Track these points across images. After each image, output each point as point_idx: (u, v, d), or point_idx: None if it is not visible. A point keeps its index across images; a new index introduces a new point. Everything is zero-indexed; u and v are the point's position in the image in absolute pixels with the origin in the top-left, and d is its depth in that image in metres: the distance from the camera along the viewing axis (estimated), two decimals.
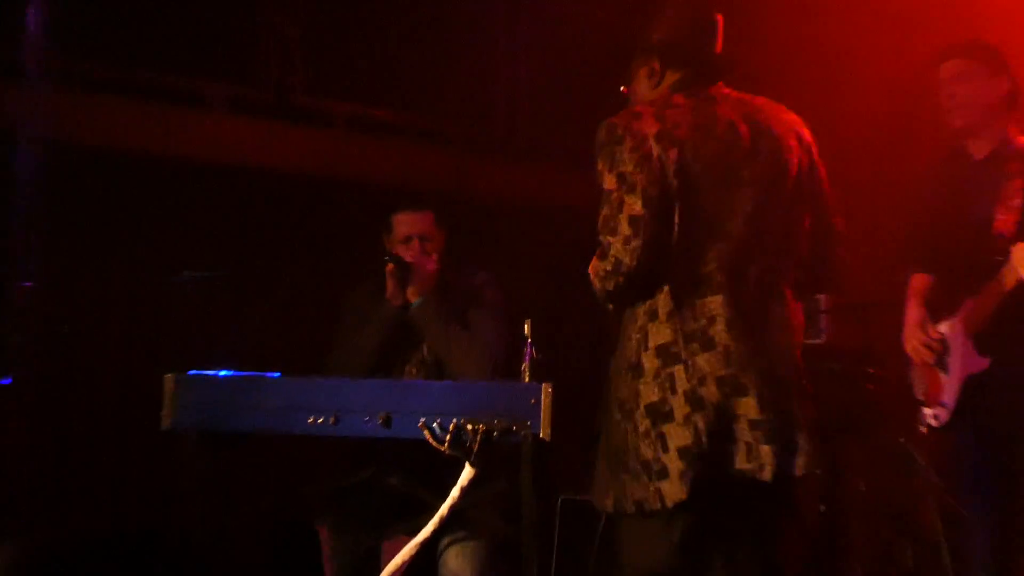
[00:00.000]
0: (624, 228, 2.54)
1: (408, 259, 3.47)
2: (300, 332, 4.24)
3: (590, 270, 2.66)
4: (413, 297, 3.48)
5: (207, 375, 2.77)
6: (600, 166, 2.61)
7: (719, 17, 2.75)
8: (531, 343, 2.79)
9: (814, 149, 2.73)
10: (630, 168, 2.56)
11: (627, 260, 2.54)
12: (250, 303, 4.32)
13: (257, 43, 4.64)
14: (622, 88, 2.81)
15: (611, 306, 2.67)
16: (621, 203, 2.55)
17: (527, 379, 2.75)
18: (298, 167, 4.72)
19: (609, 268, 2.57)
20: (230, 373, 2.78)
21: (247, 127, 4.61)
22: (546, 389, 2.61)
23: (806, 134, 2.72)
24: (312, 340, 3.75)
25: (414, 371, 3.49)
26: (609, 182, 2.58)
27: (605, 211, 2.58)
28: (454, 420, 2.62)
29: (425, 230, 3.53)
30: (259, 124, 4.63)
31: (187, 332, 3.97)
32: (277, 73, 4.67)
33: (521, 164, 5.43)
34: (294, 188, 4.70)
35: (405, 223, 3.53)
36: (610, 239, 2.56)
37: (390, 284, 3.48)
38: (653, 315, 2.57)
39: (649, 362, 2.56)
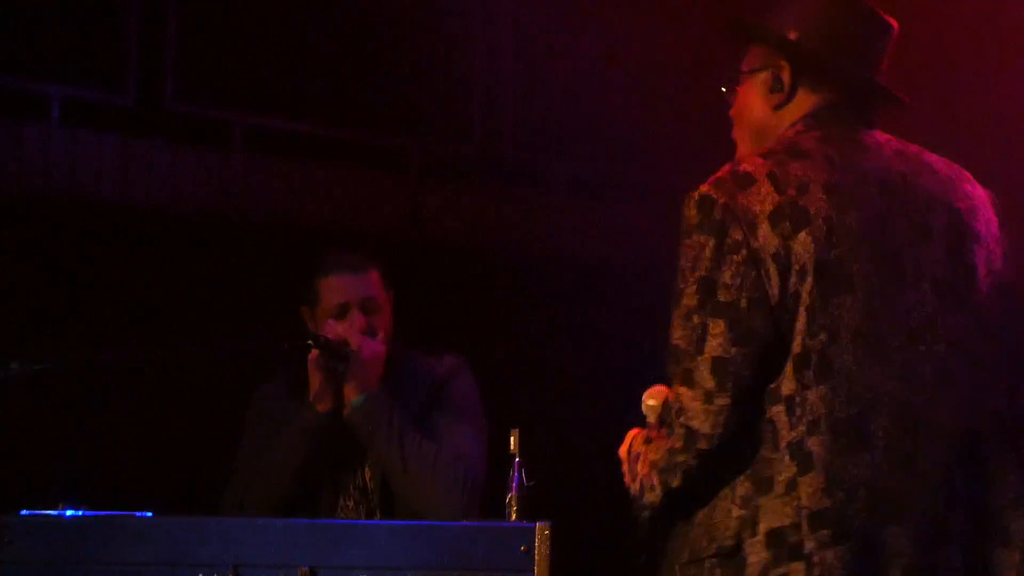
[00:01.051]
0: (704, 378, 2.47)
1: (342, 341, 3.52)
2: (181, 450, 4.32)
3: (627, 450, 2.63)
4: (352, 395, 3.51)
5: (46, 515, 2.83)
6: (681, 258, 2.54)
7: (892, 23, 2.60)
8: (519, 463, 2.84)
9: (1005, 239, 2.58)
10: (725, 277, 2.48)
11: (706, 428, 2.47)
12: (107, 407, 4.41)
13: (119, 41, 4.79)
14: (722, 89, 2.73)
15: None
16: (703, 334, 2.48)
17: (514, 516, 2.81)
18: (173, 200, 4.85)
19: (679, 444, 2.49)
20: (79, 512, 2.84)
21: (97, 143, 4.75)
22: (542, 531, 2.68)
23: (995, 213, 2.59)
24: (198, 462, 3.82)
25: (351, 504, 3.54)
26: (689, 293, 2.51)
27: (678, 337, 2.52)
28: None
29: (367, 296, 3.59)
30: (110, 138, 4.77)
31: (15, 451, 4.05)
32: (139, 75, 4.81)
33: (503, 191, 5.57)
34: (166, 229, 4.81)
35: (337, 288, 3.58)
36: (681, 390, 2.50)
37: (315, 379, 3.53)
38: (765, 484, 2.45)
39: (756, 554, 2.46)
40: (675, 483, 2.52)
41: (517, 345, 5.16)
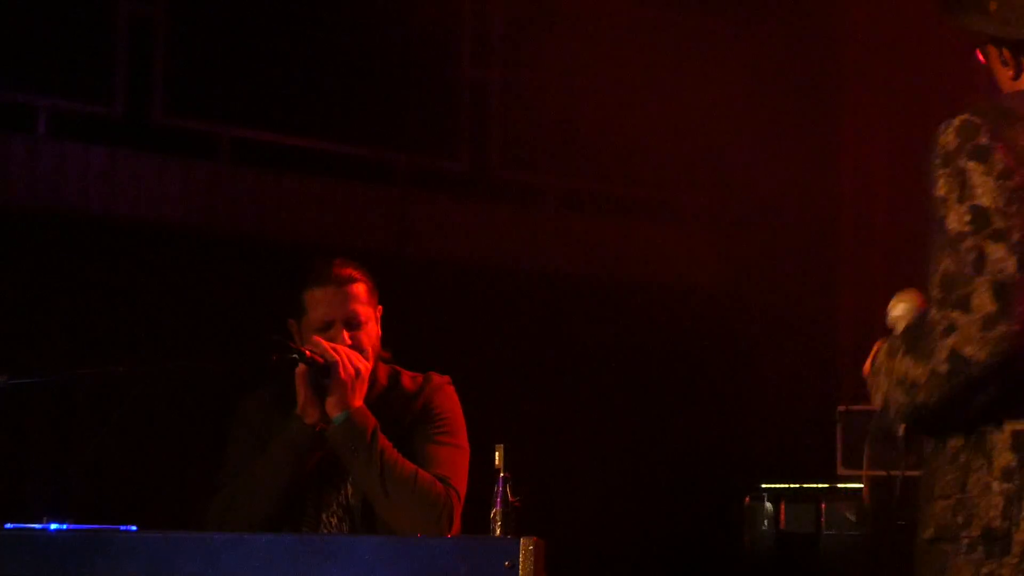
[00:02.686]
0: (985, 301, 2.30)
1: (328, 355, 3.51)
2: (166, 465, 4.33)
3: (872, 367, 2.45)
4: (334, 411, 3.51)
5: (31, 529, 2.84)
6: (941, 187, 2.40)
7: None
8: (505, 478, 2.85)
9: None
10: (999, 202, 2.36)
11: (981, 354, 2.29)
12: (92, 421, 4.41)
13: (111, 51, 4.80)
14: (978, 54, 2.62)
15: (901, 432, 2.40)
16: (980, 258, 2.33)
17: (499, 531, 2.82)
18: (160, 212, 4.86)
19: (944, 368, 2.31)
20: (63, 526, 2.85)
21: (84, 155, 4.76)
22: (527, 546, 2.68)
23: None
24: (183, 477, 3.83)
25: (334, 521, 3.55)
26: (956, 218, 2.36)
27: (947, 263, 2.36)
28: None
29: (353, 311, 3.59)
30: (97, 150, 4.78)
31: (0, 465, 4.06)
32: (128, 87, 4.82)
33: (492, 206, 5.60)
34: (153, 242, 4.82)
35: (323, 302, 3.59)
36: (954, 315, 2.31)
37: (301, 393, 3.53)
38: None
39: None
40: (930, 399, 2.32)
41: (504, 360, 5.19)
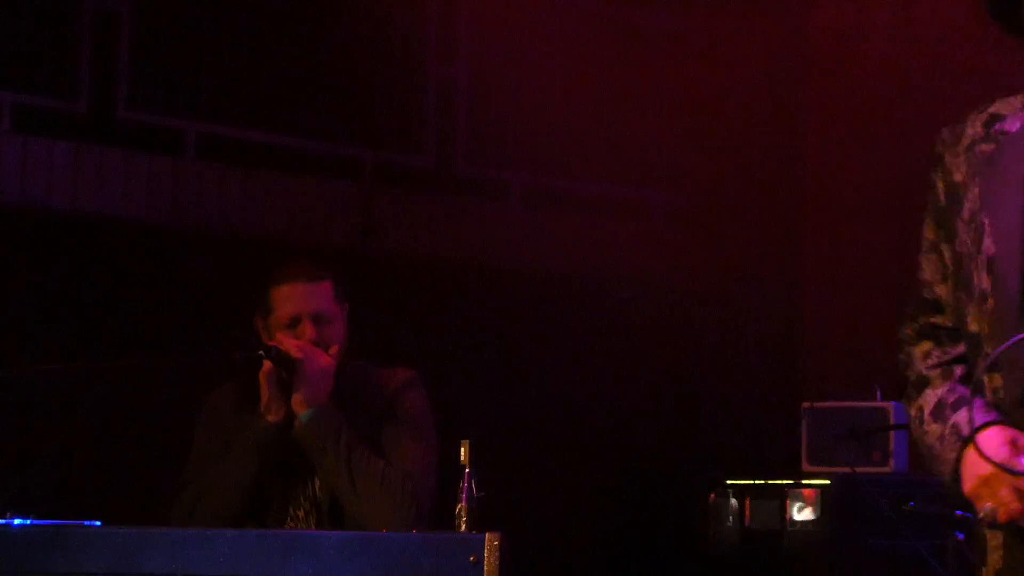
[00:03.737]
0: None
1: (293, 353, 3.53)
2: (131, 462, 4.32)
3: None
4: (300, 409, 3.53)
5: None
6: None
7: None
8: (469, 474, 2.86)
9: None
10: None
11: None
12: (56, 416, 4.40)
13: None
14: None
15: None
16: None
17: (463, 527, 2.83)
18: (123, 208, 4.85)
19: None
20: (26, 522, 2.85)
21: (48, 151, 4.75)
22: (491, 541, 2.69)
23: None
24: (148, 474, 3.82)
25: (301, 515, 3.56)
26: None
27: None
28: None
29: (319, 308, 3.60)
30: (61, 146, 4.78)
31: None
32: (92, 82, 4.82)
33: (458, 202, 5.61)
34: (117, 239, 4.81)
35: (289, 298, 3.60)
36: None
37: (266, 390, 3.55)
38: None
39: None
40: None
41: (469, 356, 5.19)
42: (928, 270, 2.62)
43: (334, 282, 3.64)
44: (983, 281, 2.48)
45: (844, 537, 5.12)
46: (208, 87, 5.17)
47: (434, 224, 5.46)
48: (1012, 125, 2.52)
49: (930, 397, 2.60)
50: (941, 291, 2.61)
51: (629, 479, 5.56)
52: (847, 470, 4.99)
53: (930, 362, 2.63)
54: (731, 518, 5.19)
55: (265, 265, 3.69)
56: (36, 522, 2.85)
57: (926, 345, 2.65)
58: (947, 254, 2.56)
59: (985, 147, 2.53)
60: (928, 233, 2.61)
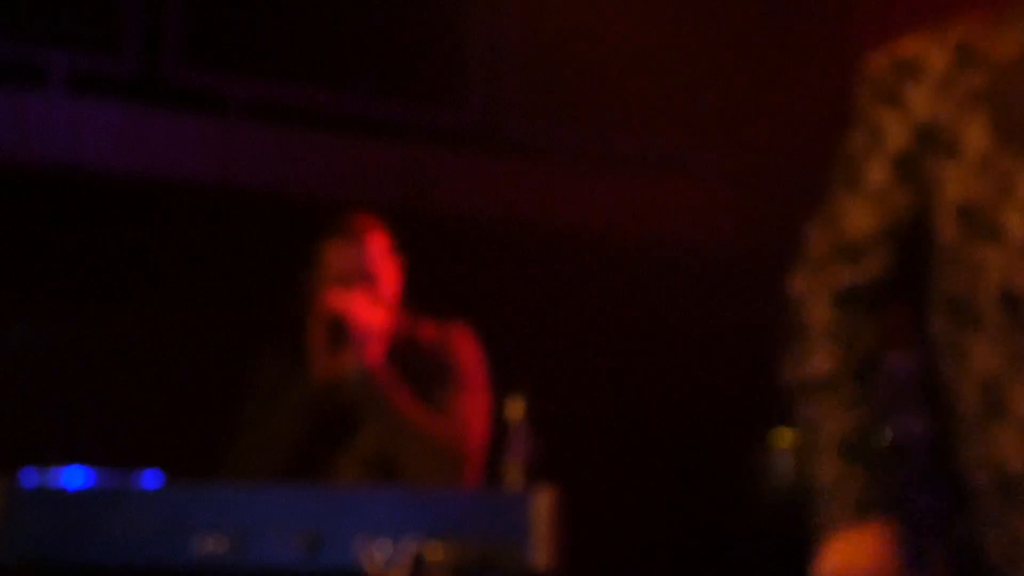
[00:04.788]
0: None
1: (343, 309, 3.53)
2: (180, 415, 4.38)
3: None
4: (350, 367, 3.54)
5: (50, 482, 2.90)
6: None
7: None
8: (520, 429, 2.88)
9: None
10: None
11: None
12: (110, 378, 4.44)
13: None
14: None
15: None
16: None
17: (514, 482, 2.85)
18: (173, 169, 4.87)
19: None
20: (84, 478, 2.92)
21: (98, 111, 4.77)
22: (546, 498, 2.71)
23: None
24: (199, 428, 3.86)
25: (352, 473, 3.57)
26: None
27: None
28: (411, 544, 2.73)
29: (370, 265, 3.61)
30: (111, 107, 4.79)
31: (17, 415, 4.09)
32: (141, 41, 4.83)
33: (507, 161, 5.59)
34: (168, 200, 4.84)
35: (340, 256, 3.60)
36: None
37: (316, 348, 3.56)
38: None
39: None
40: None
41: (521, 317, 5.18)
42: (862, 214, 2.23)
43: (385, 237, 3.64)
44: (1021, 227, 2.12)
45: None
46: (256, 45, 5.17)
47: (483, 183, 5.45)
48: (1004, 52, 2.20)
49: (839, 419, 2.18)
50: (874, 245, 2.22)
51: (680, 434, 5.54)
52: None
53: (838, 354, 2.21)
54: (784, 472, 5.14)
55: (314, 226, 3.69)
56: (91, 478, 2.91)
57: (838, 318, 2.23)
58: (902, 202, 2.21)
59: (971, 79, 2.20)
60: (874, 174, 2.23)
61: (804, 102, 5.94)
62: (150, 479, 2.94)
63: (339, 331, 3.53)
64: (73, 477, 2.94)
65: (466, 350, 3.66)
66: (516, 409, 2.92)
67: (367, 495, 2.90)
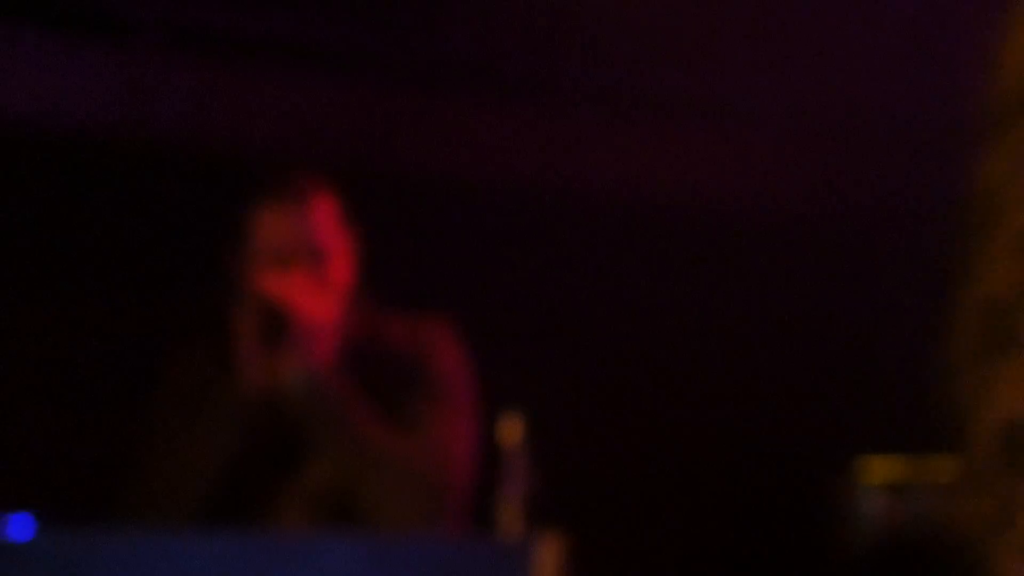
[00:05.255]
0: None
1: (282, 297, 3.54)
2: (65, 437, 4.34)
3: None
4: (292, 373, 3.55)
5: None
6: None
7: None
8: (517, 455, 2.91)
9: None
10: None
11: None
12: None
13: None
14: None
15: None
16: None
17: (510, 526, 2.89)
18: (61, 110, 4.86)
19: None
20: None
21: None
22: (550, 547, 2.71)
23: None
24: (90, 453, 3.84)
25: (294, 514, 3.57)
26: None
27: None
28: None
29: (316, 239, 3.62)
30: None
31: None
32: None
33: (501, 106, 5.57)
34: (59, 147, 4.80)
35: (278, 227, 3.61)
36: None
37: (245, 349, 3.56)
38: None
39: None
40: None
41: (518, 306, 5.17)
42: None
43: (336, 204, 3.65)
44: None
45: None
46: None
47: (467, 131, 5.44)
48: None
49: None
50: None
51: (729, 461, 5.52)
52: None
53: None
54: (872, 514, 5.14)
55: (244, 187, 3.68)
56: None
57: None
58: None
59: None
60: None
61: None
62: (18, 527, 2.89)
63: (276, 325, 3.53)
64: None
65: (445, 352, 3.68)
66: (512, 430, 2.95)
67: (316, 544, 2.87)
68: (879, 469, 5.16)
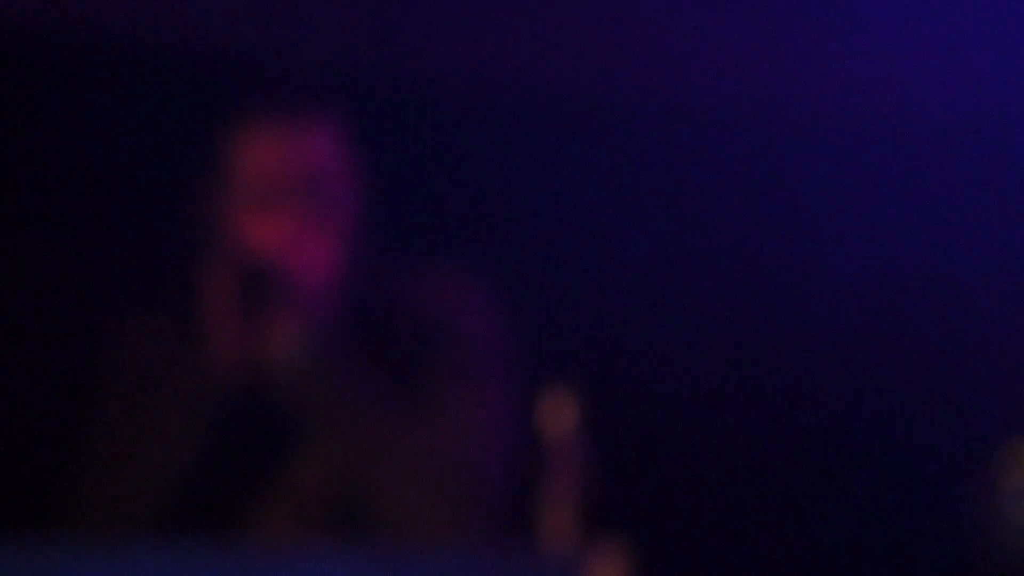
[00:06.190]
0: None
1: (269, 248, 3.59)
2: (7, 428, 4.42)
3: None
4: (279, 346, 3.61)
5: None
6: None
7: None
8: (565, 443, 2.90)
9: None
10: None
11: None
12: None
13: None
14: None
15: None
16: None
17: (557, 537, 2.89)
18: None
19: None
20: None
21: None
22: (607, 560, 2.75)
23: None
24: (31, 448, 3.89)
25: (283, 519, 3.62)
26: None
27: None
28: None
29: (310, 164, 3.66)
30: None
31: None
32: None
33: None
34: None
35: (262, 157, 3.65)
36: None
37: (223, 312, 3.60)
38: None
39: None
40: None
41: (559, 246, 5.18)
42: None
43: (333, 124, 3.69)
44: None
45: None
46: None
47: (478, 28, 5.45)
48: None
49: None
50: None
51: (839, 454, 5.53)
52: None
53: None
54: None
55: (219, 104, 3.73)
56: None
57: None
58: None
59: None
60: None
61: None
62: None
63: (260, 285, 3.58)
64: None
65: (471, 315, 3.74)
66: (559, 414, 2.95)
67: (312, 557, 2.90)
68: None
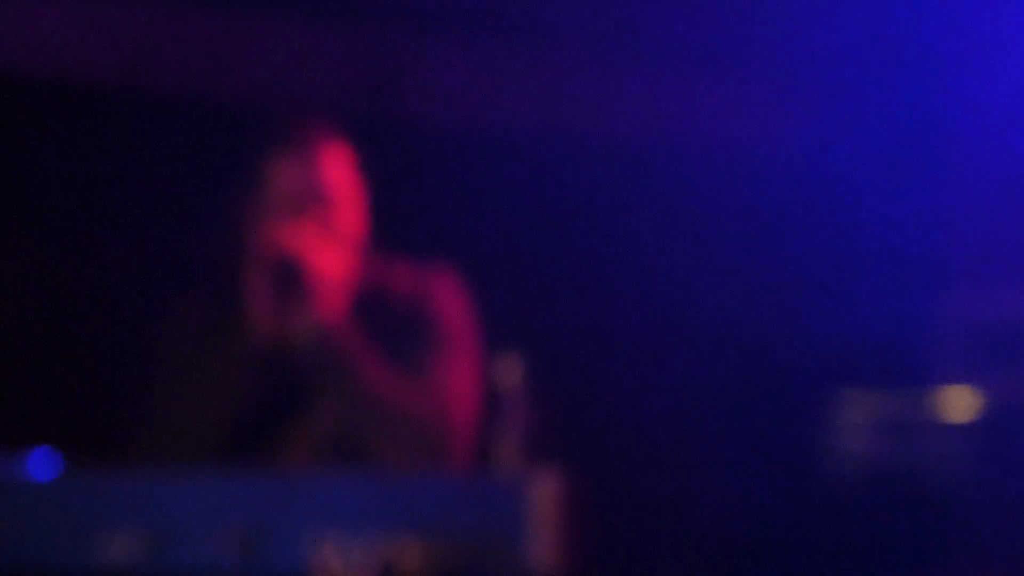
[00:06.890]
0: None
1: (295, 249, 3.62)
2: (77, 383, 4.46)
3: None
4: (299, 328, 3.63)
5: None
6: None
7: None
8: (516, 392, 2.93)
9: None
10: None
11: None
12: None
13: None
14: None
15: None
16: None
17: (510, 465, 2.90)
18: (64, 61, 4.91)
19: None
20: None
21: None
22: (545, 482, 2.77)
23: None
24: (100, 399, 4.01)
25: (303, 455, 3.67)
26: None
27: None
28: (378, 544, 2.77)
29: (327, 183, 3.68)
30: None
31: None
32: None
33: (498, 50, 5.56)
34: (56, 99, 4.81)
35: (288, 176, 3.67)
36: None
37: (256, 299, 3.65)
38: None
39: None
40: None
41: (523, 251, 5.18)
42: None
43: (346, 151, 3.69)
44: None
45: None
46: None
47: (469, 76, 5.44)
48: None
49: None
50: None
51: (724, 398, 5.40)
52: None
53: None
54: (856, 456, 4.79)
55: (252, 135, 3.75)
56: None
57: None
58: None
59: None
60: None
61: None
62: (40, 465, 2.97)
63: (287, 278, 3.61)
64: None
65: (450, 300, 3.77)
66: (510, 370, 2.97)
67: (320, 481, 2.90)
68: (866, 404, 4.83)
